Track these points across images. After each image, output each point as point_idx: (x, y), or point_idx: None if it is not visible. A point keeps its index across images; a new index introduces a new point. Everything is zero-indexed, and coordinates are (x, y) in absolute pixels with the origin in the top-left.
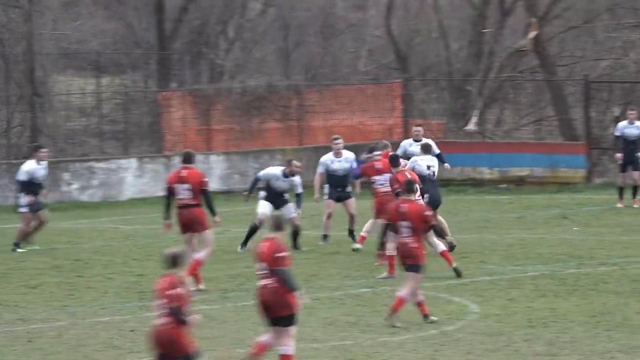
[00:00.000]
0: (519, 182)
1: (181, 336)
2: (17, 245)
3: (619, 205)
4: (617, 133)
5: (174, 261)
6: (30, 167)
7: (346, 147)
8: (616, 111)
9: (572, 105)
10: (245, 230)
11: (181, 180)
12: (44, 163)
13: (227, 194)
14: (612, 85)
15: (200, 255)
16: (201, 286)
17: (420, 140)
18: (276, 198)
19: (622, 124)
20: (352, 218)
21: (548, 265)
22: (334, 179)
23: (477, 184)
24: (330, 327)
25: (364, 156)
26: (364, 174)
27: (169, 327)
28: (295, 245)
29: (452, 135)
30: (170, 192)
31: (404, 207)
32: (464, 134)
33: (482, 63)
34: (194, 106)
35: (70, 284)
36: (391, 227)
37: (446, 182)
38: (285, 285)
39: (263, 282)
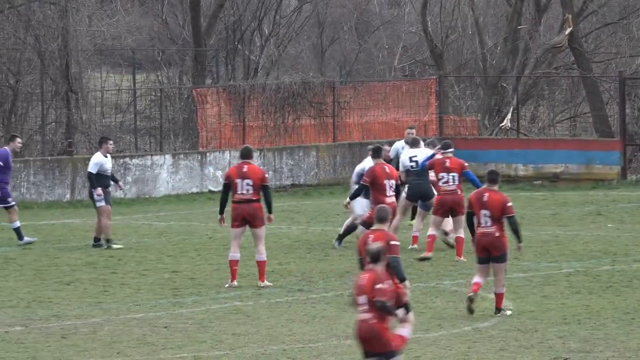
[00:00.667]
0: (554, 179)
1: (385, 331)
2: (97, 241)
3: None
4: None
5: (378, 257)
6: (99, 159)
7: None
8: None
9: (607, 101)
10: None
11: (243, 175)
12: (109, 155)
13: None
14: None
15: (262, 255)
16: (235, 283)
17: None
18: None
19: None
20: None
21: (582, 262)
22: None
23: (511, 181)
24: None
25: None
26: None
27: (373, 322)
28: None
29: (487, 132)
30: (229, 187)
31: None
32: (498, 131)
33: (517, 60)
34: (228, 102)
35: (104, 281)
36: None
37: (480, 179)
38: (396, 275)
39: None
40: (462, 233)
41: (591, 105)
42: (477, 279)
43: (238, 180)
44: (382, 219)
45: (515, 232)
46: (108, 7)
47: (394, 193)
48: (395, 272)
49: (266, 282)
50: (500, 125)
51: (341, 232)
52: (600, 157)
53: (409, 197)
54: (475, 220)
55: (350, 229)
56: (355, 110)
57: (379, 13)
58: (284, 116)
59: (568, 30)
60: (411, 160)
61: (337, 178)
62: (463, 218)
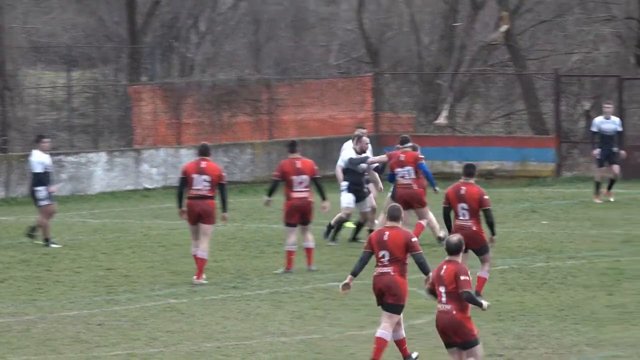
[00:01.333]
0: (489, 176)
1: (467, 321)
2: (48, 241)
3: (596, 200)
4: (594, 129)
5: (458, 249)
6: (42, 158)
7: (316, 141)
8: (586, 105)
9: (542, 99)
10: None
11: (200, 171)
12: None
13: None
14: (583, 79)
15: (204, 252)
16: (203, 280)
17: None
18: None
19: (599, 119)
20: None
21: (517, 258)
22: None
23: (447, 178)
24: (299, 321)
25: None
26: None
27: (454, 314)
28: (355, 238)
29: (422, 129)
30: (185, 182)
31: None
32: (434, 128)
33: (453, 57)
34: (164, 100)
35: (38, 278)
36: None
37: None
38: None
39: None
40: (425, 223)
41: (526, 102)
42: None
43: (195, 176)
44: (394, 218)
45: (491, 225)
46: (43, 4)
47: (307, 189)
48: (420, 267)
49: (202, 280)
50: (436, 122)
51: (333, 227)
52: (535, 155)
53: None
54: (452, 214)
55: (340, 222)
56: (291, 108)
57: (315, 10)
58: (220, 113)
59: (504, 28)
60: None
61: (268, 175)
62: (425, 210)
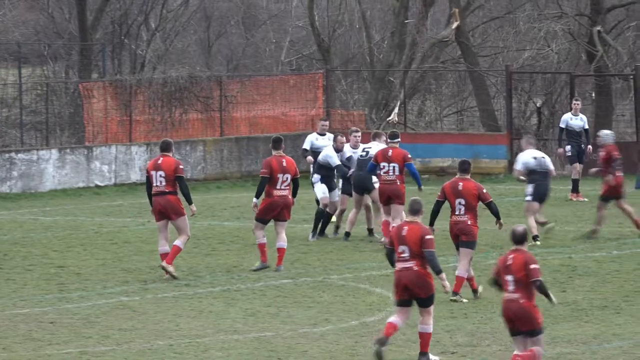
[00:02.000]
0: (441, 173)
1: (534, 309)
2: None
3: (574, 199)
4: (562, 125)
5: (523, 238)
6: None
7: (268, 138)
8: (538, 102)
9: (494, 95)
10: None
11: (157, 167)
12: None
13: None
14: (534, 76)
15: (179, 241)
16: (174, 273)
17: (325, 135)
18: (330, 178)
19: (567, 115)
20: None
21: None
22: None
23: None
24: (251, 319)
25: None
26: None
27: (522, 302)
28: (322, 232)
29: (374, 126)
30: (149, 180)
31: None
32: (385, 125)
33: (404, 54)
34: (115, 97)
35: None
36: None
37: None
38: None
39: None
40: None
41: (478, 99)
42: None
43: (153, 173)
44: (415, 211)
45: (496, 213)
46: None
47: (288, 187)
48: (431, 265)
49: (172, 268)
50: (388, 119)
51: (336, 223)
52: (487, 151)
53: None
54: (440, 209)
55: (319, 217)
56: (243, 105)
57: (266, 7)
58: (171, 110)
59: (455, 25)
60: (363, 150)
61: (224, 172)
62: (401, 208)
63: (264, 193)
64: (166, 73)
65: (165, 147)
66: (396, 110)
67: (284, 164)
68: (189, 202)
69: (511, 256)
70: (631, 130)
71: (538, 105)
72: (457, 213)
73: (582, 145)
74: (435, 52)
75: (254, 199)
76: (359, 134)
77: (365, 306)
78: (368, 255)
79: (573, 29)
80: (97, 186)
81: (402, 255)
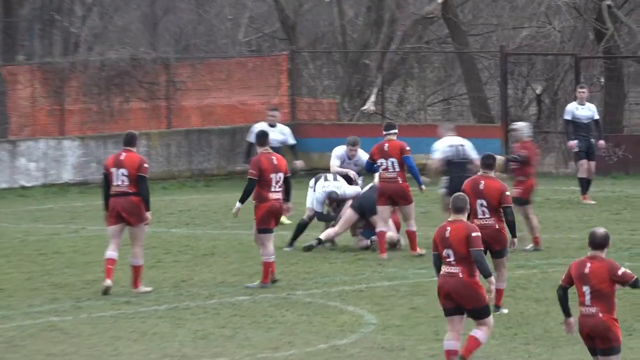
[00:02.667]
0: (423, 171)
1: (615, 325)
2: None
3: (584, 201)
4: (567, 117)
5: (605, 243)
6: None
7: (224, 131)
8: (538, 88)
9: (486, 81)
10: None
11: (119, 164)
12: None
13: (83, 185)
14: (533, 58)
15: (137, 259)
16: (108, 282)
17: (275, 126)
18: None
19: (572, 105)
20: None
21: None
22: None
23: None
24: (202, 342)
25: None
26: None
27: (601, 316)
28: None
29: (347, 117)
30: (107, 179)
31: None
32: (360, 115)
33: (382, 33)
34: (44, 83)
35: None
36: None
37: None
38: None
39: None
40: (414, 226)
41: (468, 85)
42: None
43: (113, 170)
44: (459, 209)
45: (511, 224)
46: None
47: (281, 189)
48: (478, 266)
49: (143, 287)
50: (362, 108)
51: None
52: (479, 145)
53: None
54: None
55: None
56: (194, 92)
57: None
58: (110, 99)
59: None
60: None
61: (172, 171)
62: (412, 208)
63: (257, 198)
64: (104, 55)
65: (129, 141)
66: (372, 98)
67: (275, 161)
68: (147, 208)
69: (588, 264)
70: None
71: (538, 92)
72: (480, 216)
73: (592, 140)
74: (418, 31)
75: (238, 204)
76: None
77: (336, 327)
78: (339, 267)
79: (579, 3)
80: (22, 187)
81: (448, 260)
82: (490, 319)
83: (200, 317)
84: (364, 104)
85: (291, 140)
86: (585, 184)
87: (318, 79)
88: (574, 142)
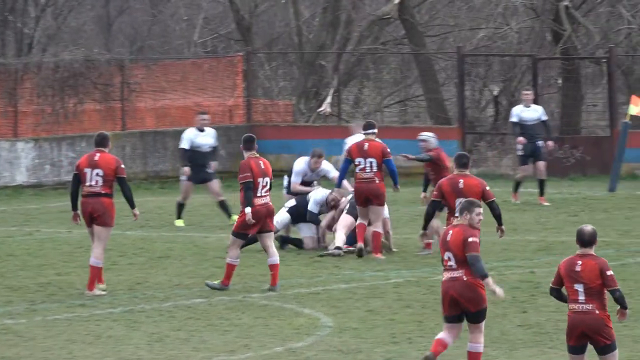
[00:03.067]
0: None
1: (609, 321)
2: None
3: (513, 200)
4: (514, 119)
5: (593, 240)
6: None
7: (179, 132)
8: (495, 89)
9: (443, 82)
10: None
11: (93, 165)
12: None
13: (37, 187)
14: (490, 59)
15: (97, 260)
16: (102, 286)
17: (204, 131)
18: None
19: (518, 108)
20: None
21: (414, 270)
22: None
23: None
24: (158, 345)
25: None
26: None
27: (598, 313)
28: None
29: (303, 118)
30: (79, 179)
31: None
32: (316, 117)
33: (338, 33)
34: None
35: None
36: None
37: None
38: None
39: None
40: (379, 227)
41: (425, 86)
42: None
43: (87, 170)
44: (461, 211)
45: (498, 216)
46: None
47: (268, 193)
48: (473, 269)
49: (97, 292)
50: (319, 110)
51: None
52: None
53: None
54: (435, 211)
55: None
56: (149, 93)
57: None
58: (64, 100)
59: (398, 0)
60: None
61: (127, 173)
62: (382, 210)
63: (242, 202)
64: (58, 56)
65: (101, 142)
66: (329, 99)
67: (262, 166)
68: (132, 206)
69: (578, 262)
70: (604, 123)
71: (495, 93)
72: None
73: (539, 142)
74: (374, 32)
75: (247, 210)
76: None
77: (292, 330)
78: (296, 270)
79: (536, 4)
80: None
81: (449, 263)
82: (483, 324)
83: (155, 320)
84: (320, 106)
85: (216, 143)
86: (518, 185)
87: (274, 81)
88: (522, 139)
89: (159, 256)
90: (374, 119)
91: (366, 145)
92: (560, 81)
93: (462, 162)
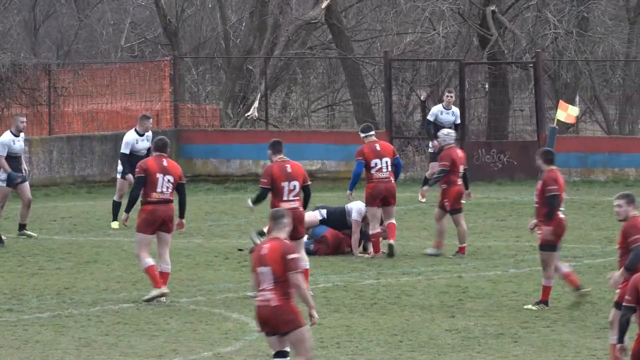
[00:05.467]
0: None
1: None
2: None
3: (420, 198)
4: (431, 118)
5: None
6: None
7: (106, 137)
8: (422, 94)
9: (370, 87)
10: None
11: (164, 170)
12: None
13: None
14: (417, 64)
15: (168, 266)
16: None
17: (143, 135)
18: None
19: (437, 108)
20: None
21: (342, 275)
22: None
23: (259, 180)
24: (86, 349)
25: None
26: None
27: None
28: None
29: (231, 123)
30: (144, 182)
31: None
32: (244, 121)
33: (266, 38)
34: None
35: None
36: None
37: (223, 178)
38: None
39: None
40: (378, 228)
41: (352, 91)
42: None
43: (159, 176)
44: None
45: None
46: None
47: (297, 197)
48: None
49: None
50: (246, 114)
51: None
52: None
53: None
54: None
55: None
56: (76, 98)
57: None
58: None
59: (325, 4)
60: None
61: (54, 177)
62: (394, 209)
63: (270, 207)
64: None
65: (163, 147)
66: (256, 104)
67: (289, 169)
68: (183, 214)
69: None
70: (531, 128)
71: (422, 98)
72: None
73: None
74: (301, 36)
75: (251, 203)
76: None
77: (220, 334)
78: (223, 274)
79: (463, 9)
80: None
81: None
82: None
83: (83, 324)
84: (247, 110)
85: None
86: (426, 181)
87: (201, 85)
88: (436, 143)
89: (86, 261)
90: (301, 123)
91: (377, 146)
92: (487, 86)
93: (549, 158)
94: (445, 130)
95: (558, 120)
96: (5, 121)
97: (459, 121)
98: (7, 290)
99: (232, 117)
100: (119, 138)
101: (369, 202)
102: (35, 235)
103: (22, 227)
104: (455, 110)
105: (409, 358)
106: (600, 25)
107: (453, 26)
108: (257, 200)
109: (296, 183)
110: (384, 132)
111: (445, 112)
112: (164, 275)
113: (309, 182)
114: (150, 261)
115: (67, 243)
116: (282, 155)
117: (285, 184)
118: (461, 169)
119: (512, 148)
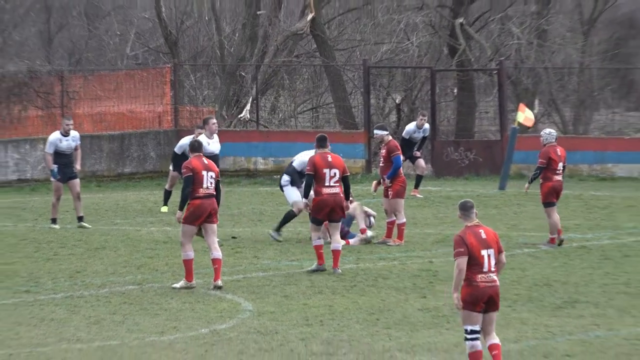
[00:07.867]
0: None
1: None
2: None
3: (417, 195)
4: (405, 136)
5: None
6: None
7: (113, 136)
8: (397, 98)
9: (351, 91)
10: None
11: (207, 168)
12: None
13: None
14: (393, 71)
15: (219, 252)
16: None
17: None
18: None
19: (411, 127)
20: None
21: (314, 260)
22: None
23: (251, 175)
24: (95, 327)
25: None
26: None
27: None
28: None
29: (225, 124)
30: (193, 180)
31: None
32: (237, 122)
33: (257, 47)
34: None
35: None
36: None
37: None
38: None
39: None
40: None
41: (334, 95)
42: None
43: (204, 173)
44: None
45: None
46: None
47: (337, 184)
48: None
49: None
50: (239, 116)
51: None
52: (344, 150)
53: None
54: None
55: (288, 217)
56: (86, 101)
57: None
58: (9, 107)
59: (310, 16)
60: None
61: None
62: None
63: (312, 192)
64: (3, 67)
65: (199, 147)
66: (248, 107)
67: (329, 159)
68: (217, 206)
69: None
70: (495, 128)
71: (397, 101)
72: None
73: (416, 153)
74: (289, 46)
75: (304, 200)
76: None
77: (216, 313)
78: None
79: (434, 21)
80: None
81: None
82: None
83: (93, 304)
84: (240, 112)
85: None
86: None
87: (199, 89)
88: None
89: (96, 247)
90: (288, 124)
91: (391, 142)
92: (455, 90)
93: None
94: (547, 130)
95: (518, 121)
96: (23, 122)
97: (427, 134)
98: (25, 273)
99: (227, 118)
100: (124, 137)
101: (401, 195)
102: (90, 227)
103: (80, 219)
104: (427, 127)
105: (385, 335)
106: (558, 37)
107: (425, 37)
108: (306, 192)
109: (336, 171)
110: (363, 131)
111: (417, 132)
112: (216, 262)
113: (348, 173)
114: (191, 254)
115: (79, 232)
116: (325, 149)
117: (326, 171)
118: (559, 165)
119: (478, 146)
